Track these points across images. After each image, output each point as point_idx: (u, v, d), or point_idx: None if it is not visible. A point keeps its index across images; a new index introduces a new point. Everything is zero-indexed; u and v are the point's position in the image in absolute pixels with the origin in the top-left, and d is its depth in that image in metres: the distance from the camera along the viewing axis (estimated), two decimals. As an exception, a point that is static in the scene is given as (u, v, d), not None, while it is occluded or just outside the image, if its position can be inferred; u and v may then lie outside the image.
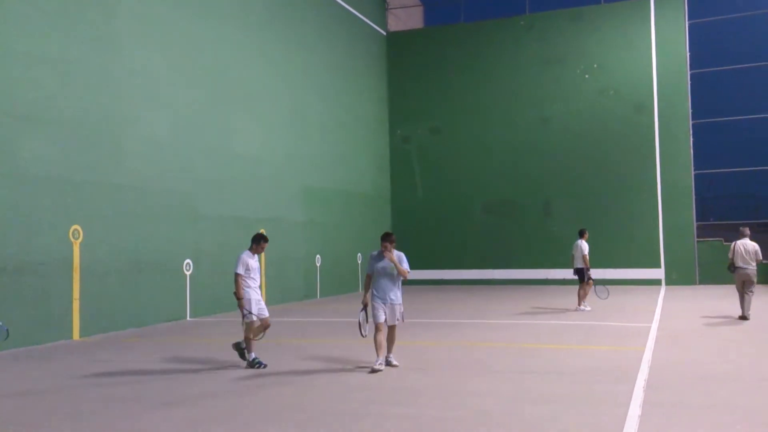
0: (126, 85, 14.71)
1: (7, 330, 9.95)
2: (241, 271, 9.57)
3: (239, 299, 9.51)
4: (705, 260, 23.77)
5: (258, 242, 9.92)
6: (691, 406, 6.90)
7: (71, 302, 12.98)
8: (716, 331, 12.46)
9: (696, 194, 24.28)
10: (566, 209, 25.40)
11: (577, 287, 16.94)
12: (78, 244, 13.14)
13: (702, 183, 24.82)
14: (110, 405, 7.48)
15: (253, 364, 9.51)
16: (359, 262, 24.44)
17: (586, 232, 16.97)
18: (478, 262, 26.36)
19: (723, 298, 18.15)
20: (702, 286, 23.37)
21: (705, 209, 25.64)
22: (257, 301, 9.64)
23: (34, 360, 10.67)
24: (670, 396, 7.37)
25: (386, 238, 9.32)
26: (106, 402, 7.63)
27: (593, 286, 16.80)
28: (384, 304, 9.17)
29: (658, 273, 24.11)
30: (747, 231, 14.44)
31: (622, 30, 25.42)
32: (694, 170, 24.23)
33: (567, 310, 16.46)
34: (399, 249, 9.59)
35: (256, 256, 9.88)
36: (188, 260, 16.21)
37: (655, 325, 13.24)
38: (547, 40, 26.28)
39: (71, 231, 13.03)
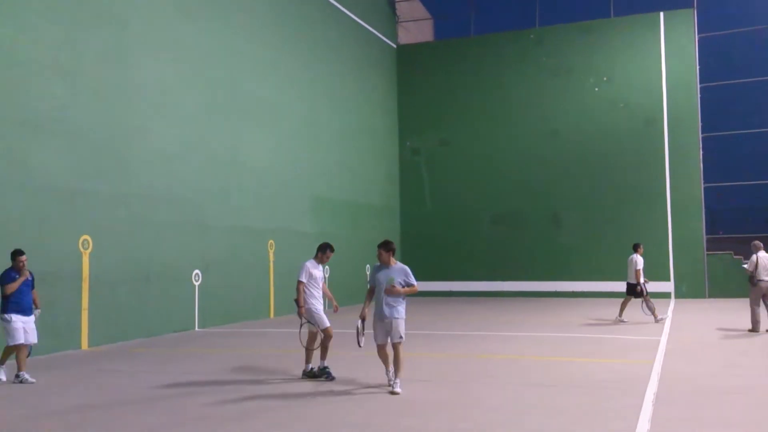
0: (136, 96, 14.80)
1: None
2: (303, 279, 9.38)
3: (299, 307, 9.30)
4: (715, 273, 23.63)
5: (324, 251, 9.67)
6: (700, 421, 6.85)
7: (80, 312, 13.02)
8: (726, 345, 12.37)
9: (705, 207, 24.18)
10: (575, 221, 25.35)
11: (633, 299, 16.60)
12: (87, 254, 13.19)
13: (711, 196, 24.73)
14: (121, 417, 7.49)
15: (322, 372, 9.34)
16: (368, 273, 24.43)
17: (641, 246, 16.67)
18: (487, 273, 26.28)
19: (733, 312, 18.03)
20: (712, 299, 23.22)
21: (714, 222, 25.55)
22: (318, 312, 9.40)
23: (40, 370, 10.67)
24: (679, 410, 7.33)
25: (383, 246, 8.79)
26: (115, 414, 7.64)
27: (641, 303, 16.51)
28: (382, 321, 8.61)
29: (668, 286, 23.97)
30: (761, 244, 14.44)
31: (632, 43, 25.42)
32: (704, 183, 24.15)
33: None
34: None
35: (320, 265, 9.63)
36: (197, 270, 16.25)
37: (664, 338, 13.16)
38: (557, 53, 26.30)
39: (81, 241, 13.09)
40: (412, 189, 27.82)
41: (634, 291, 16.22)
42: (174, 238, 15.62)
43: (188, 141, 16.28)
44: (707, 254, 23.89)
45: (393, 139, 27.80)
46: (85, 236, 13.20)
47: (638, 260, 16.28)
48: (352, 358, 11.31)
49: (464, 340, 13.80)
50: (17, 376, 9.52)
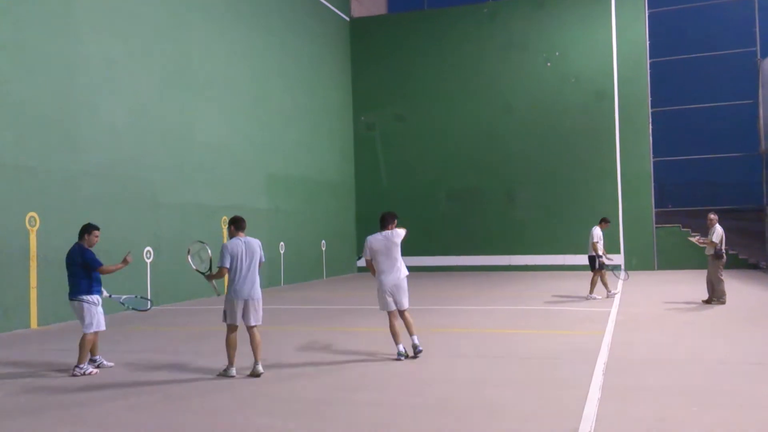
0: (84, 71, 14.41)
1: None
2: (368, 255, 9.00)
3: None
4: (663, 246, 24.20)
5: (393, 220, 9.18)
6: (648, 389, 7.02)
7: (28, 290, 12.73)
8: (675, 316, 12.69)
9: (654, 181, 24.67)
10: (529, 196, 25.64)
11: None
12: (35, 232, 12.88)
13: (660, 170, 25.24)
14: (70, 395, 7.37)
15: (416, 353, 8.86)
16: (323, 249, 24.38)
17: (603, 220, 16.33)
18: (442, 249, 26.48)
19: (681, 283, 18.50)
20: (660, 271, 23.80)
21: (663, 196, 26.09)
22: (394, 287, 9.00)
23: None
24: (629, 379, 7.50)
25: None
26: (65, 392, 7.51)
27: (614, 271, 16.62)
28: None
29: (618, 259, 24.47)
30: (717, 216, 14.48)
31: (584, 18, 25.64)
32: (653, 157, 24.62)
33: (522, 294, 16.56)
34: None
35: (382, 235, 9.10)
36: (149, 248, 16.00)
37: (614, 310, 13.45)
38: (510, 27, 26.39)
39: (27, 218, 12.76)
40: (367, 165, 27.76)
41: (594, 264, 15.93)
42: (124, 216, 15.33)
43: (138, 116, 15.93)
44: (656, 227, 24.44)
45: (347, 115, 27.64)
46: (32, 213, 12.87)
47: (596, 233, 15.96)
48: (308, 332, 11.30)
49: (419, 314, 13.86)
50: (93, 361, 8.70)
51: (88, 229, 8.83)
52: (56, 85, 13.72)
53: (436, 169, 26.79)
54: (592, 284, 15.86)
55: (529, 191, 25.69)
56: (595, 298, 15.51)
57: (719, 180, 28.12)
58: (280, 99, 22.27)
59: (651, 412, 6.15)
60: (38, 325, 12.84)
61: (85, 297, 8.53)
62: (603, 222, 16.28)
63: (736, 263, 23.50)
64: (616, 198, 24.65)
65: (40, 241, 12.94)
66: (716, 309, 13.40)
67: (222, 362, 8.58)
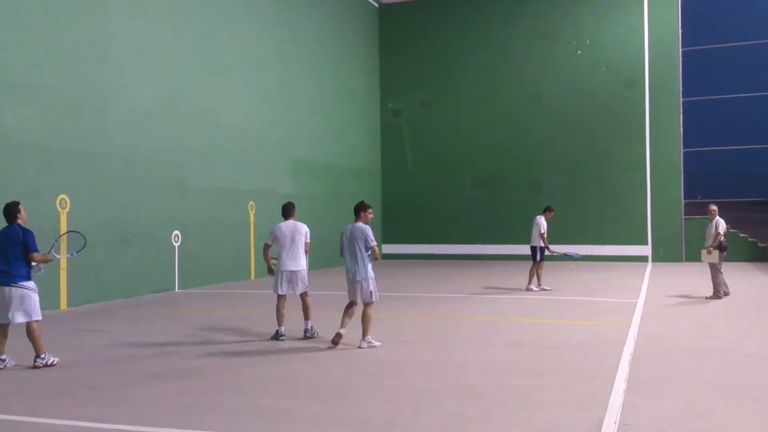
0: (112, 53, 14.54)
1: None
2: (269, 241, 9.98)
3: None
4: (692, 238, 23.86)
5: (289, 210, 10.23)
6: (675, 381, 6.96)
7: (58, 272, 12.92)
8: (702, 308, 12.55)
9: (684, 172, 24.34)
10: (555, 185, 25.41)
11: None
12: (65, 214, 13.05)
13: (691, 161, 24.89)
14: (99, 376, 7.48)
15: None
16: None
17: (547, 209, 16.15)
18: (468, 237, 26.39)
19: (709, 276, 18.23)
20: (688, 263, 23.51)
21: (693, 187, 25.73)
22: (283, 273, 9.95)
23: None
24: (655, 370, 7.44)
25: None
26: (94, 372, 7.62)
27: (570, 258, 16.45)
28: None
29: (645, 250, 24.24)
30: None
31: (615, 6, 25.27)
32: (683, 148, 24.27)
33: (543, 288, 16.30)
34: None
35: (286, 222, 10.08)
36: (176, 231, 16.15)
37: (641, 301, 13.33)
38: (541, 14, 26.10)
39: (58, 200, 12.93)
40: (393, 152, 27.71)
41: (535, 255, 15.62)
42: (152, 199, 15.49)
43: (166, 100, 16.05)
44: (685, 218, 24.13)
45: (374, 101, 27.58)
46: (63, 195, 13.05)
47: (542, 223, 15.70)
48: (332, 318, 11.34)
49: (444, 301, 13.89)
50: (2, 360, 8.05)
51: (18, 208, 8.24)
52: (85, 68, 13.85)
53: (462, 156, 26.66)
54: (538, 276, 15.67)
55: (555, 180, 25.46)
56: (545, 289, 15.42)
57: (751, 171, 27.69)
58: (306, 84, 22.28)
59: (677, 404, 6.09)
60: (68, 306, 13.04)
61: (27, 284, 7.99)
62: (547, 211, 16.11)
63: (767, 256, 23.16)
64: (645, 188, 24.36)
65: (70, 223, 13.11)
66: (743, 302, 13.23)
67: (248, 345, 8.64)
